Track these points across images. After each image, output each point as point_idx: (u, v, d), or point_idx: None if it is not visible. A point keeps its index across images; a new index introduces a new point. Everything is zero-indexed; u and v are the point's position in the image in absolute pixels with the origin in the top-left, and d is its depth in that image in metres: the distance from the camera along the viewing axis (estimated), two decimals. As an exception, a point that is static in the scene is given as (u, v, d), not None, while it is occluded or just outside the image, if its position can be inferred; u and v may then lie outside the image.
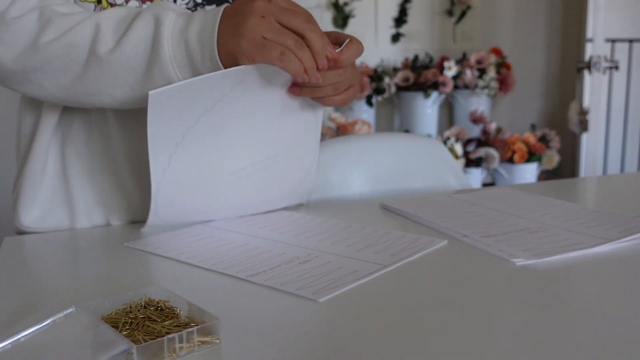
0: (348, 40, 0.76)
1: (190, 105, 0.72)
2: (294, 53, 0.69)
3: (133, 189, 0.88)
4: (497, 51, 3.40)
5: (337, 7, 3.33)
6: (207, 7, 0.85)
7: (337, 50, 0.75)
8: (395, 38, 3.49)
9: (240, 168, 0.83)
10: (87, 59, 0.73)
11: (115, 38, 0.72)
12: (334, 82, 0.76)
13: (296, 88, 0.78)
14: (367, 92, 3.24)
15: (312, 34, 0.70)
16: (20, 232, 0.89)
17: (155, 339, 0.48)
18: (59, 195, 0.88)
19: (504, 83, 3.31)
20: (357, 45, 0.76)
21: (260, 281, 0.64)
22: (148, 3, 0.81)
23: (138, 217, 0.90)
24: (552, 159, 3.29)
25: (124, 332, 0.49)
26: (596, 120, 3.03)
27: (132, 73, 0.73)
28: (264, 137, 0.82)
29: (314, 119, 0.87)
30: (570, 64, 3.59)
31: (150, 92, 0.68)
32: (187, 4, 0.83)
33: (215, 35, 0.69)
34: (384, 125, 3.49)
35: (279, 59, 0.68)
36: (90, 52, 0.72)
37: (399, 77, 3.30)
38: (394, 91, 3.29)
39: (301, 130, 0.87)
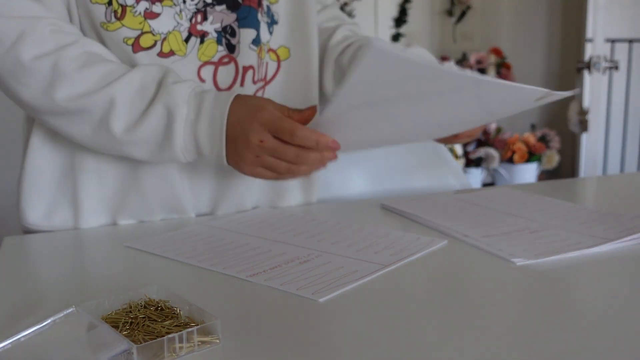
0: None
1: (394, 84, 0.67)
2: (291, 173, 0.78)
3: (140, 189, 0.88)
4: (497, 51, 3.40)
5: (337, 7, 3.33)
6: (217, 8, 0.84)
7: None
8: (395, 38, 3.49)
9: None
10: (99, 128, 0.79)
11: (129, 117, 0.78)
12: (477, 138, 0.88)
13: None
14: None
15: (302, 166, 0.77)
16: (26, 231, 0.89)
17: (155, 339, 0.48)
18: (65, 193, 0.87)
19: (503, 83, 3.30)
20: None
21: (260, 281, 0.64)
22: (157, 4, 0.81)
23: (144, 217, 0.90)
24: (552, 159, 3.29)
25: (124, 332, 0.49)
26: (596, 120, 3.03)
27: (139, 151, 0.81)
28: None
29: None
30: (570, 64, 3.59)
31: (374, 43, 0.61)
32: (196, 4, 0.83)
33: (224, 144, 0.77)
34: (384, 125, 3.48)
35: (276, 178, 0.80)
36: (103, 123, 0.78)
37: (399, 77, 3.29)
38: (394, 91, 3.29)
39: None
